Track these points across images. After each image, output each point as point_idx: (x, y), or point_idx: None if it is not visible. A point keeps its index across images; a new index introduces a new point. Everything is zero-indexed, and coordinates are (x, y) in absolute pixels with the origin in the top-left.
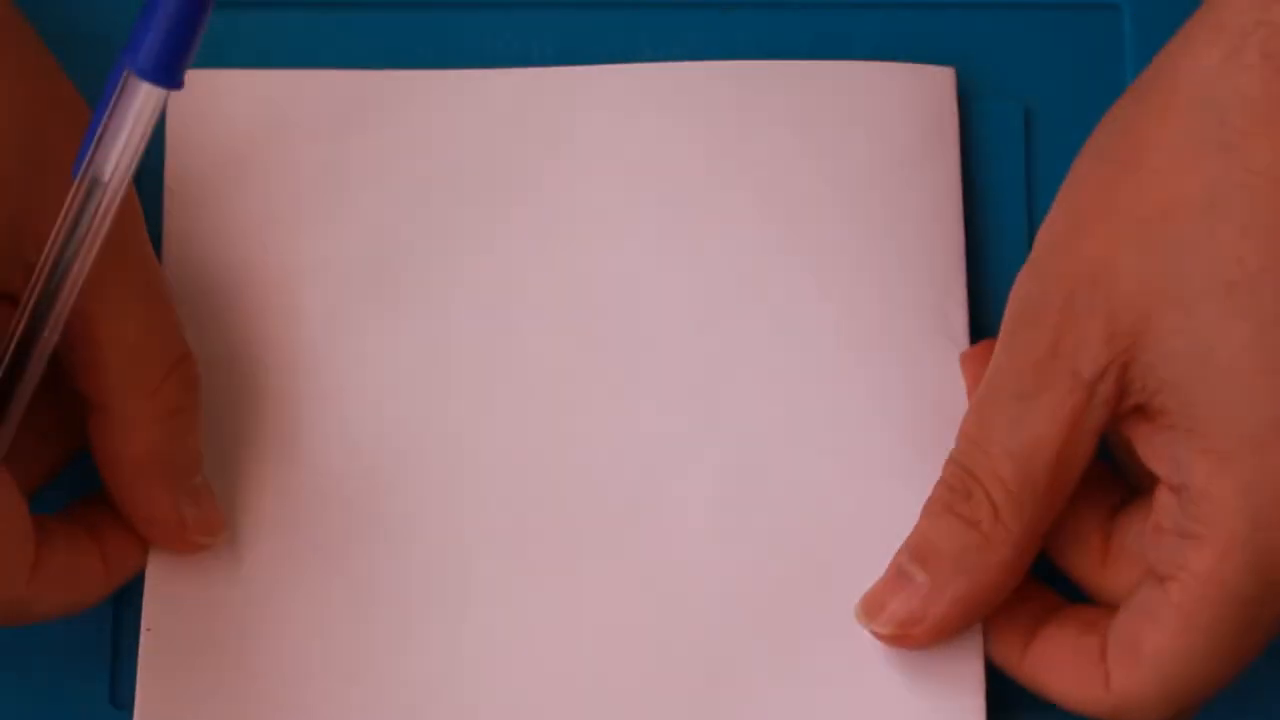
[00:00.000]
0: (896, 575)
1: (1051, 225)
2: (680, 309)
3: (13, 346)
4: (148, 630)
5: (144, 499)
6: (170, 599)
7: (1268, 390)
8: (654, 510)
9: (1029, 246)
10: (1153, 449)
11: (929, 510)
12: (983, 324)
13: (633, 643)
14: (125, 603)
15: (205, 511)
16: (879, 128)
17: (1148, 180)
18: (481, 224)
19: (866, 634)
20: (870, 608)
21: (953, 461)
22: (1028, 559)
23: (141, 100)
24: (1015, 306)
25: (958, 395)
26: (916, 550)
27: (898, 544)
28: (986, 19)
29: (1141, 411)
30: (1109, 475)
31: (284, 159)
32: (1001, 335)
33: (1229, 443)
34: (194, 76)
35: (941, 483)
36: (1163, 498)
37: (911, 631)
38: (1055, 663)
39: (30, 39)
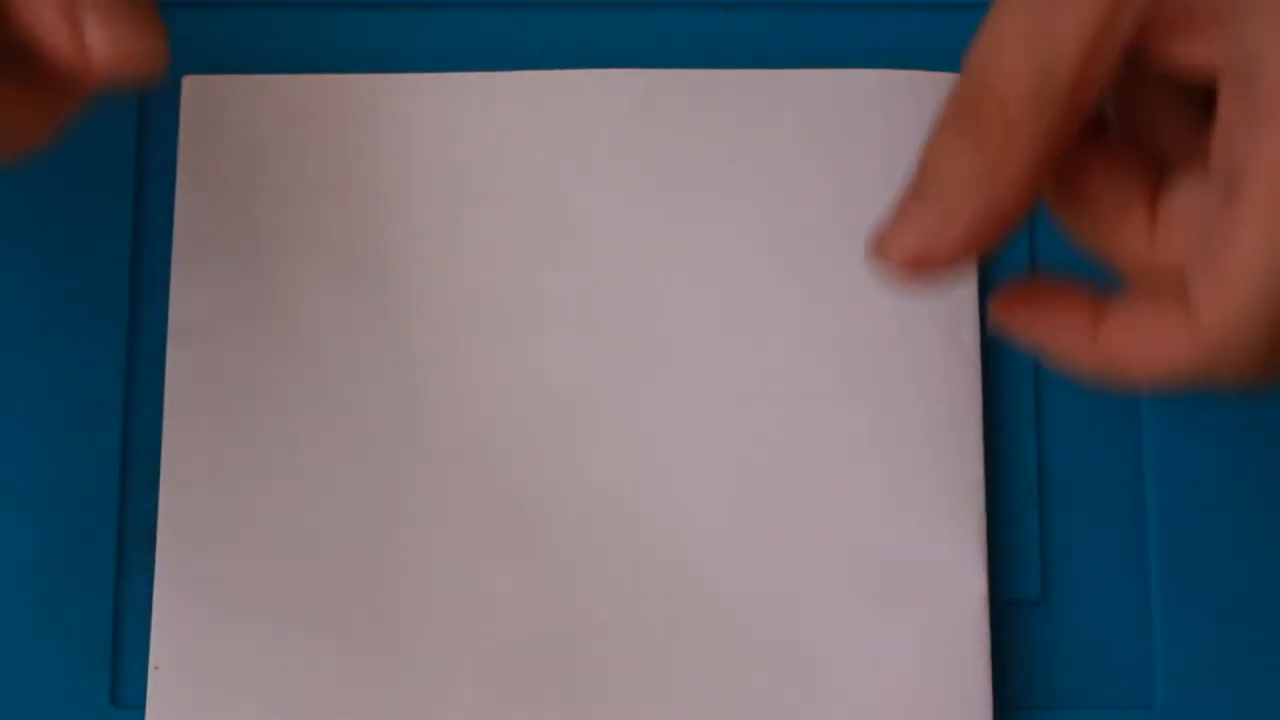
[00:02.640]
0: (904, 207)
1: None
2: (688, 319)
3: None
4: (155, 669)
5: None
6: (178, 633)
7: None
8: (662, 521)
9: (1026, 241)
10: (1201, 44)
11: (932, 134)
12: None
13: (642, 653)
14: (126, 602)
15: (119, 33)
16: (894, 136)
17: None
18: (489, 230)
19: (876, 646)
20: (879, 243)
21: (959, 85)
22: (1037, 184)
23: None
24: None
25: (969, 406)
26: (922, 177)
27: (905, 555)
28: None
29: (1174, 24)
30: (1145, 157)
31: (296, 164)
32: None
33: None
34: (205, 82)
35: (945, 108)
36: (1224, 94)
37: (925, 258)
38: (1131, 333)
39: None
